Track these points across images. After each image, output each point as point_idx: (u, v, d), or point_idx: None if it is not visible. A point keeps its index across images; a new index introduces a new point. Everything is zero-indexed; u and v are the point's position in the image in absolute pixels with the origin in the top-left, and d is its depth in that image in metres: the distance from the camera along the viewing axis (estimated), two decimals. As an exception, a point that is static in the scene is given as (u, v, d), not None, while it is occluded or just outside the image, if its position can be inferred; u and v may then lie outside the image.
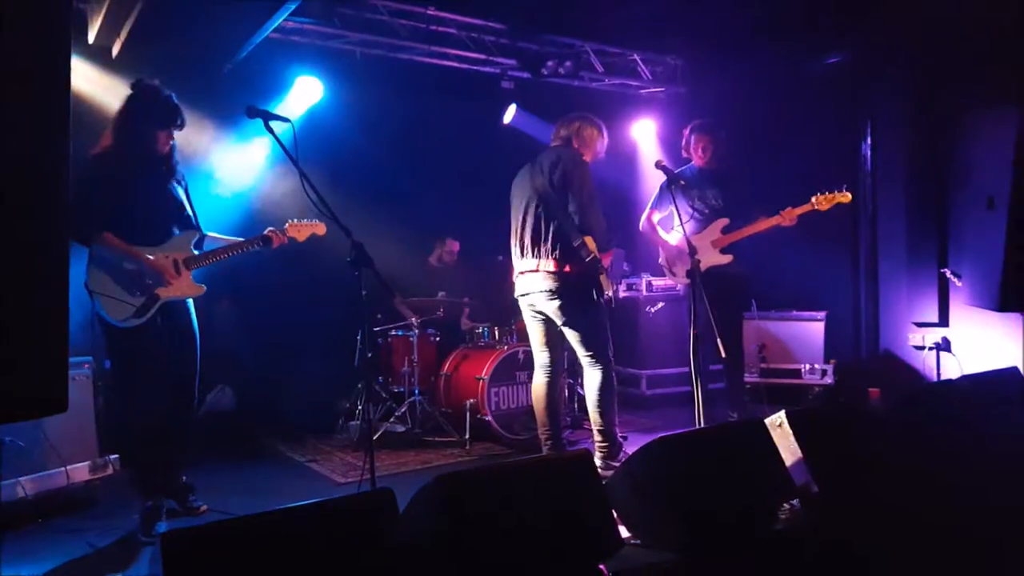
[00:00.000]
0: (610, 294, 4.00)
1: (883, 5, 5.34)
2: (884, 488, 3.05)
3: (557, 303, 3.93)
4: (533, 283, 4.03)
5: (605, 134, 4.26)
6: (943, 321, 5.53)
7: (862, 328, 6.10)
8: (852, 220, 6.05)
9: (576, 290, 3.90)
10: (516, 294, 4.21)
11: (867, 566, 2.68)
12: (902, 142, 5.80)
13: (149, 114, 3.30)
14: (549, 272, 3.93)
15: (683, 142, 4.93)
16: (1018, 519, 2.98)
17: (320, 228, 3.74)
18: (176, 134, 3.46)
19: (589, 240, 3.89)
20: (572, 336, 4.00)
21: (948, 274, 5.40)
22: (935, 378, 5.47)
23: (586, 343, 3.95)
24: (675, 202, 3.85)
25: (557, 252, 3.91)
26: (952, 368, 5.40)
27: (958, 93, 5.29)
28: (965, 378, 3.97)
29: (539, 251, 3.98)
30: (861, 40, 5.79)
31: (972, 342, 5.33)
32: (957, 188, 5.35)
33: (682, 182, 3.86)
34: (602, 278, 3.91)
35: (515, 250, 4.18)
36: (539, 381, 4.22)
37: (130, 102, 3.31)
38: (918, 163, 5.69)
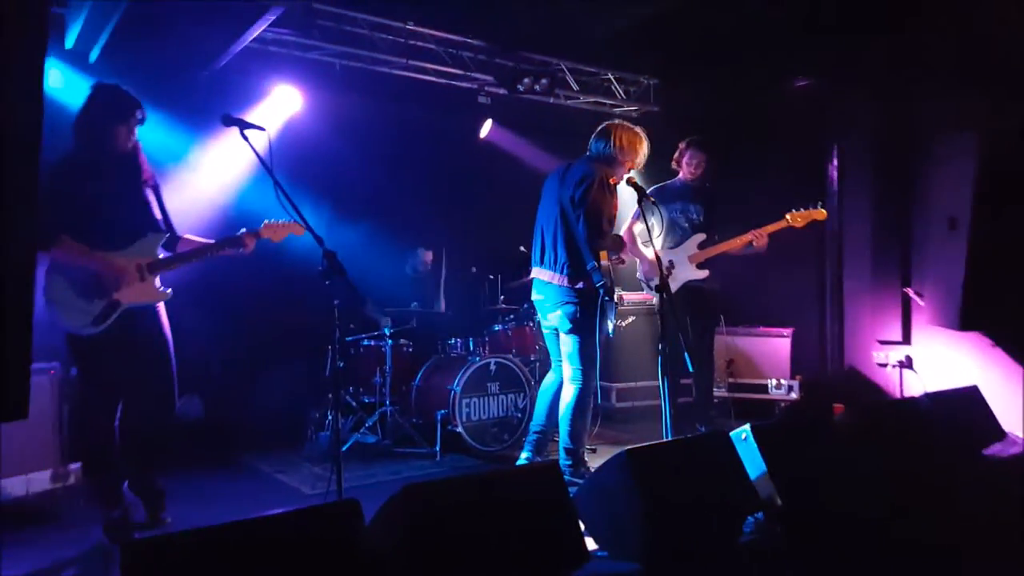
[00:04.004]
0: (612, 325, 3.95)
1: (851, 30, 5.48)
2: (846, 501, 3.11)
3: (562, 311, 3.96)
4: (544, 292, 4.08)
5: (646, 141, 4.11)
6: (906, 339, 5.65)
7: (827, 345, 6.21)
8: (818, 239, 6.17)
9: (584, 304, 3.91)
10: (532, 297, 4.25)
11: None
12: (867, 164, 5.94)
13: (106, 111, 3.17)
14: (561, 286, 3.97)
15: (676, 154, 5.03)
16: (975, 529, 3.06)
17: (299, 228, 3.51)
18: (152, 140, 3.43)
19: (601, 262, 3.86)
20: (567, 344, 4.01)
21: (911, 293, 5.53)
22: (898, 395, 5.59)
23: (578, 356, 3.96)
24: (644, 218, 3.90)
25: (569, 269, 3.94)
26: (915, 385, 5.52)
27: (922, 117, 5.44)
28: (927, 395, 4.07)
29: (555, 264, 4.01)
30: (829, 64, 5.93)
31: (934, 360, 5.45)
32: (920, 209, 5.48)
33: (652, 199, 3.91)
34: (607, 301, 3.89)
35: (534, 254, 4.19)
36: (554, 379, 4.22)
37: (87, 102, 3.19)
38: (883, 184, 5.83)
